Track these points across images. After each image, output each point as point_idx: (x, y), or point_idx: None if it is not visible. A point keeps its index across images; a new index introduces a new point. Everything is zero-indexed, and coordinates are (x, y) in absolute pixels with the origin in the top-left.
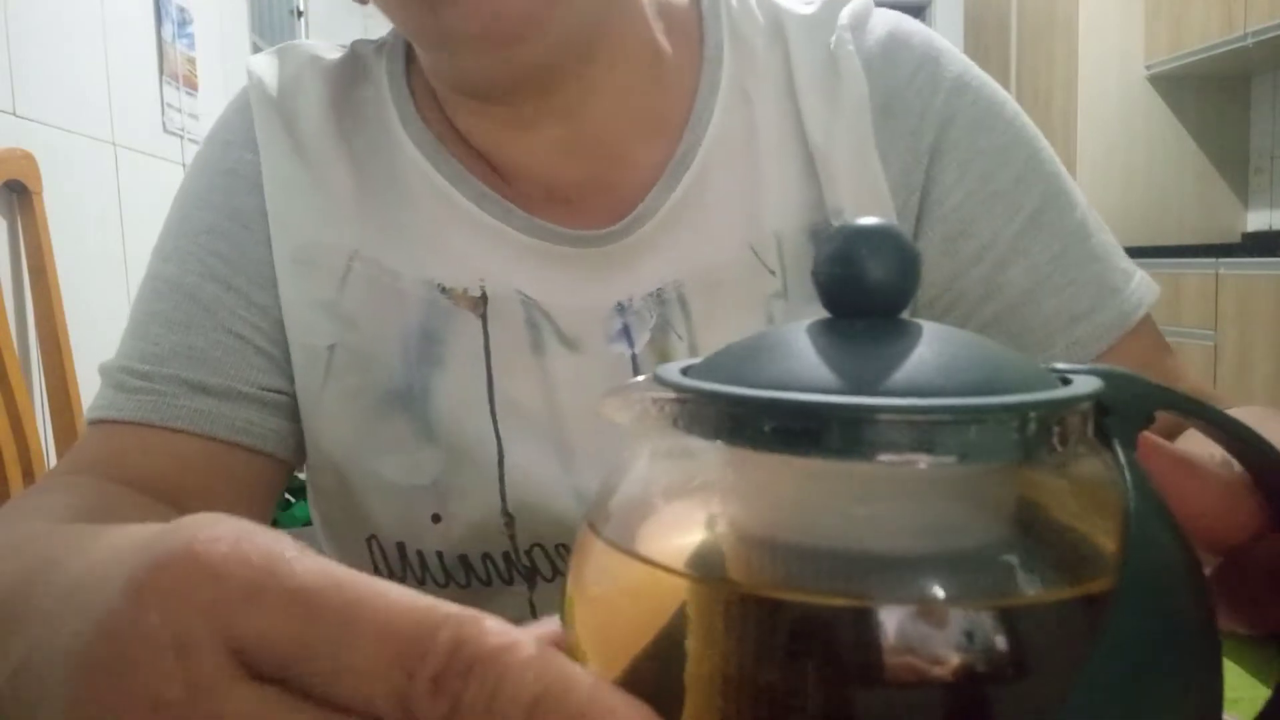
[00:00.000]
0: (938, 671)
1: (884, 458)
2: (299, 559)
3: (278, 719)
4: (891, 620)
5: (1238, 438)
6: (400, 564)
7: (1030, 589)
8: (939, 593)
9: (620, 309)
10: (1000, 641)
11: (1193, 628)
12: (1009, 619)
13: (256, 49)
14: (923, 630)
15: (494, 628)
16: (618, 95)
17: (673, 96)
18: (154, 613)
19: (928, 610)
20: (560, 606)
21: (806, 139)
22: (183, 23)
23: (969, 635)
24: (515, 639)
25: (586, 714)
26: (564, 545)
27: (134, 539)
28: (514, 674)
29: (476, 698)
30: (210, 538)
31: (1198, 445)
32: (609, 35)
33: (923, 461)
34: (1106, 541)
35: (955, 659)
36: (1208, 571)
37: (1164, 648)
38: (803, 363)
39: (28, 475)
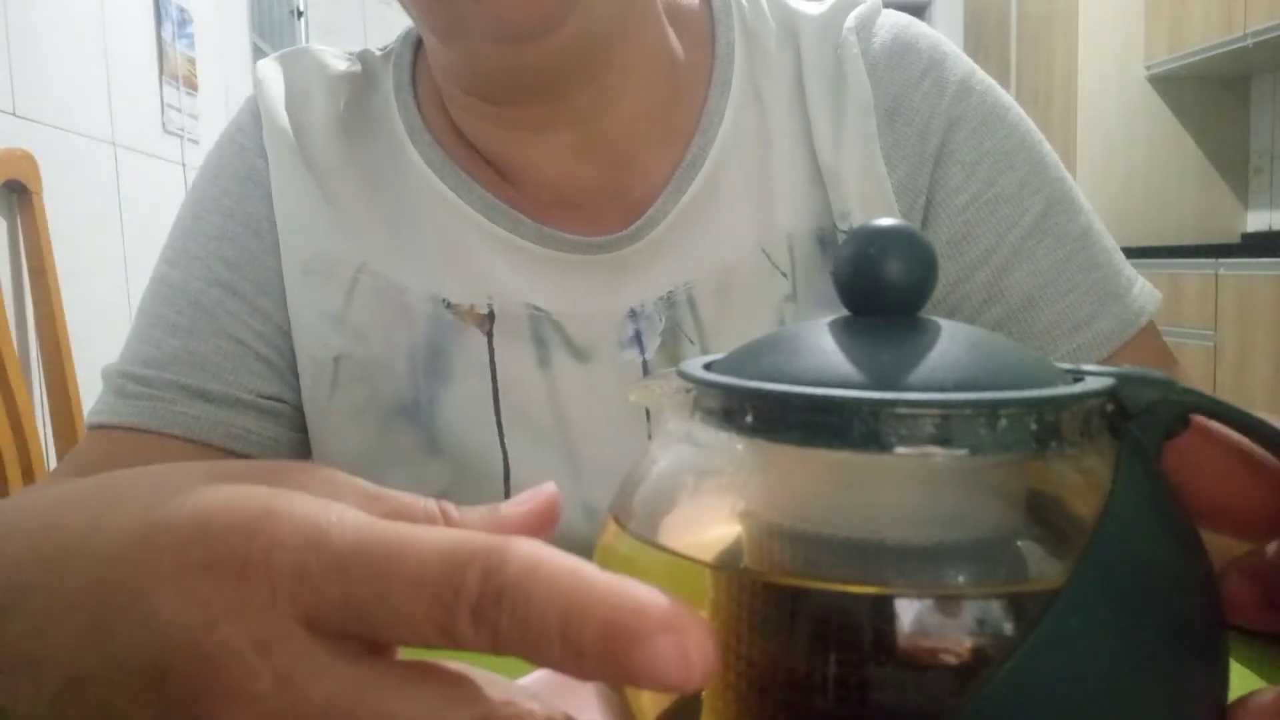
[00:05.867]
0: (949, 657)
1: (902, 450)
2: (333, 525)
3: (362, 694)
4: (906, 607)
5: (1272, 441)
6: None
7: (1037, 578)
8: (951, 580)
9: (633, 315)
10: (1010, 628)
11: (1167, 632)
12: (1017, 606)
13: (256, 49)
14: (935, 617)
15: (518, 554)
16: (632, 101)
17: (684, 98)
18: (224, 623)
19: (941, 597)
20: None
21: (814, 142)
22: (183, 23)
23: (980, 622)
24: (536, 560)
25: (612, 622)
26: None
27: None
28: (539, 596)
29: (511, 624)
30: (246, 532)
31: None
32: (625, 40)
33: (939, 454)
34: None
35: (966, 644)
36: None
37: (1114, 649)
38: (825, 359)
39: (27, 475)
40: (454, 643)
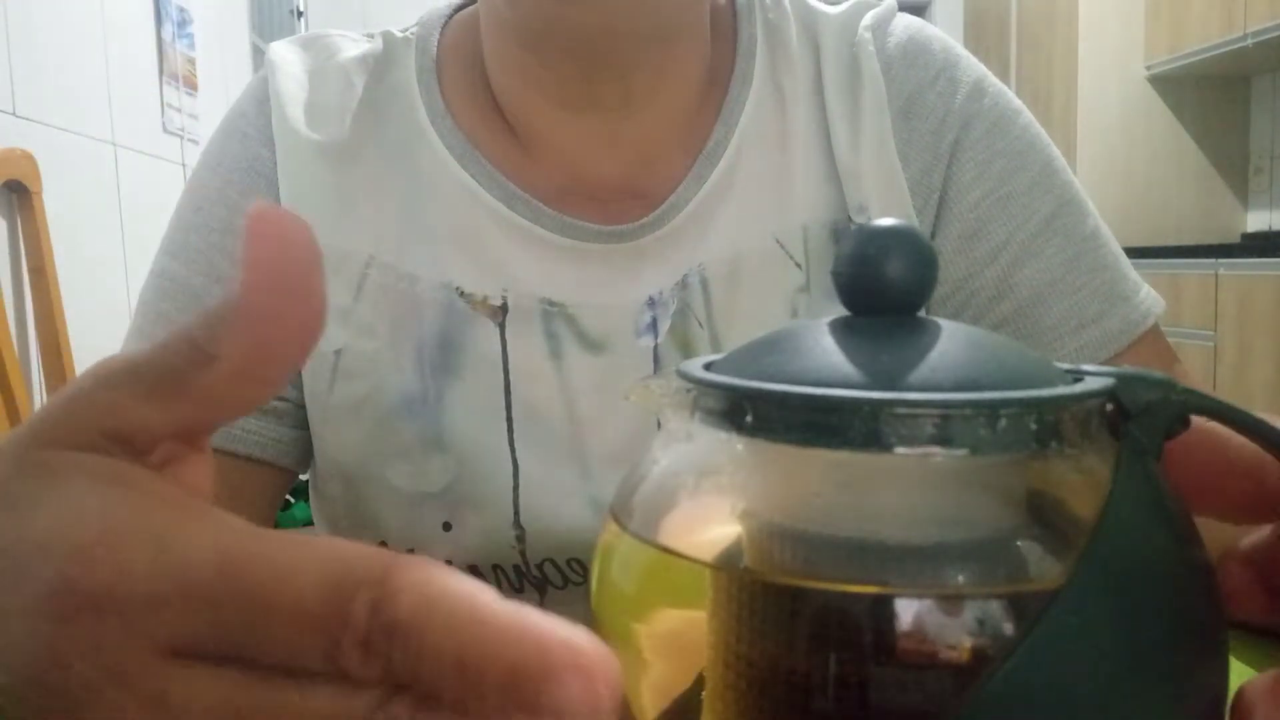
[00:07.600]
0: (949, 656)
1: (902, 450)
2: (189, 544)
3: (250, 696)
4: (907, 607)
5: (1272, 441)
6: None
7: (1037, 578)
8: (951, 580)
9: (651, 303)
10: (1010, 628)
11: (1167, 631)
12: (1017, 606)
13: (256, 49)
14: (936, 617)
15: (409, 583)
16: (663, 107)
17: (709, 92)
18: (76, 663)
19: (941, 597)
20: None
21: (831, 138)
22: (183, 23)
23: (980, 622)
24: (429, 592)
25: (516, 662)
26: (576, 559)
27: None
28: (434, 634)
29: (405, 660)
30: (84, 562)
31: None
32: (667, 46)
33: (939, 454)
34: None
35: (966, 644)
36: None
37: (1114, 649)
38: (824, 359)
39: None
40: (342, 672)
